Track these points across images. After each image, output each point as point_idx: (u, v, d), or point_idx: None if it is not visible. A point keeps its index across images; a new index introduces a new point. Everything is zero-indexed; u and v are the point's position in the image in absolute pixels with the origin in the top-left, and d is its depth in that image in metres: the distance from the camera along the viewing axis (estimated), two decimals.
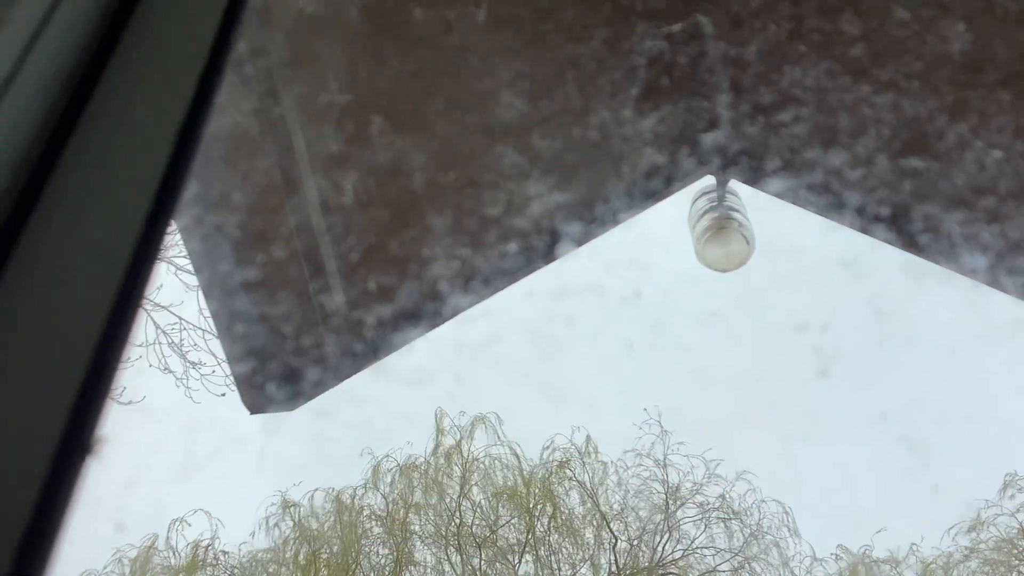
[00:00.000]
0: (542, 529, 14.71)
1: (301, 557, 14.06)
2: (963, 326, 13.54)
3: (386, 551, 14.47)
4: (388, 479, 14.65)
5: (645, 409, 14.66)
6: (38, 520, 0.73)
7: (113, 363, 0.83)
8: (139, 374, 11.38)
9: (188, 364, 11.87)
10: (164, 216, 0.92)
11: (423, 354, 12.53)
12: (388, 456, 14.57)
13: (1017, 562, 13.94)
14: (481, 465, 14.77)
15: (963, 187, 4.14)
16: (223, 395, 11.57)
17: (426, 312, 4.28)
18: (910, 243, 4.24)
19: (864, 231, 4.35)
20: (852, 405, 14.43)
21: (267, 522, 14.18)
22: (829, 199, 4.38)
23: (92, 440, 0.79)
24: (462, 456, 14.76)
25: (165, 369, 11.85)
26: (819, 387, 15.10)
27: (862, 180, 4.28)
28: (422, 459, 14.73)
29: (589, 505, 14.81)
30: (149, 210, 0.91)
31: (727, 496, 14.59)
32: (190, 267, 9.81)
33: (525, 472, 14.77)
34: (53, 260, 0.86)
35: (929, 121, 4.16)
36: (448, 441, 14.81)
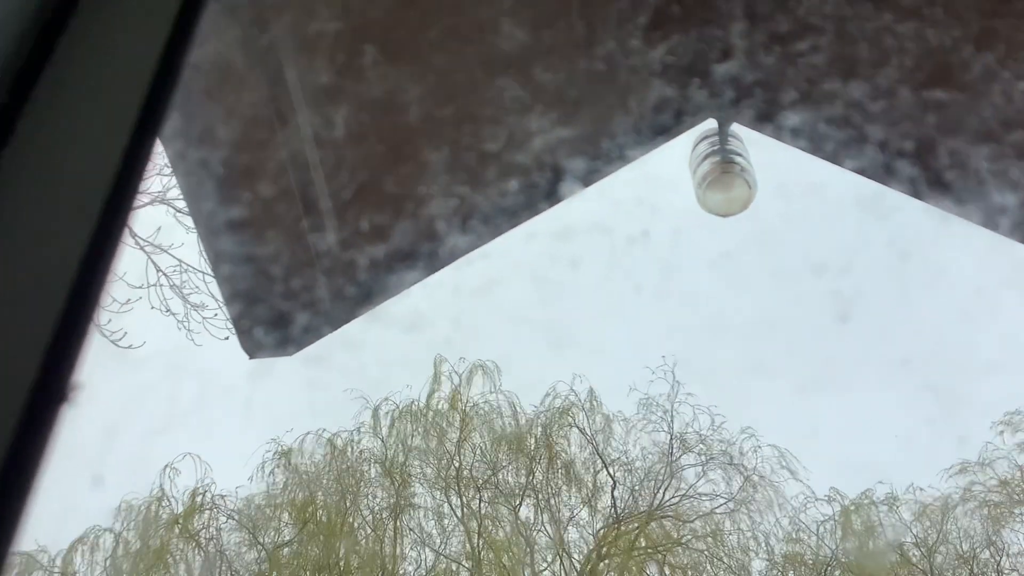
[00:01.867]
0: (542, 473, 14.82)
1: (298, 500, 14.23)
2: (990, 269, 13.36)
3: (383, 494, 14.61)
4: (386, 422, 14.76)
5: (663, 357, 14.63)
6: (11, 471, 0.72)
7: (91, 306, 0.81)
8: (133, 318, 11.36)
9: (190, 306, 11.87)
10: (145, 151, 0.90)
11: (419, 298, 12.41)
12: (387, 399, 14.65)
13: (1017, 499, 13.99)
14: (480, 411, 14.86)
15: (990, 120, 4.01)
16: (226, 338, 11.56)
17: (422, 253, 4.19)
18: (935, 180, 4.13)
19: (886, 168, 4.23)
20: (873, 351, 14.33)
21: (263, 467, 14.32)
22: (849, 133, 4.27)
23: (68, 387, 0.78)
24: (461, 402, 14.83)
25: (167, 311, 11.85)
26: (838, 333, 14.99)
27: (884, 113, 4.18)
28: (419, 404, 14.82)
29: (589, 451, 14.92)
30: (128, 145, 0.88)
31: (729, 445, 14.66)
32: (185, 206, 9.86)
33: (524, 419, 14.85)
34: (28, 196, 0.84)
35: (954, 51, 4.05)
36: (445, 388, 14.88)
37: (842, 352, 14.52)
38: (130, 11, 0.97)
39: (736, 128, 5.04)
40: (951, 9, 4.01)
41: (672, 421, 14.84)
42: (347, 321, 4.37)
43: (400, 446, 14.65)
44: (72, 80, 0.90)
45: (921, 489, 14.05)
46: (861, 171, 4.33)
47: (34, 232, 0.82)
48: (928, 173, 4.16)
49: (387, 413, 14.71)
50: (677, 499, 14.73)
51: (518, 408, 14.81)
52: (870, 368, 14.45)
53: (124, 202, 0.86)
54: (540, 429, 14.90)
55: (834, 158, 4.36)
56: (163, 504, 13.80)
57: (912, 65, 4.11)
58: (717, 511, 14.60)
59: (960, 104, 4.08)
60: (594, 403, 14.90)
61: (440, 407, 14.82)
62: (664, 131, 4.55)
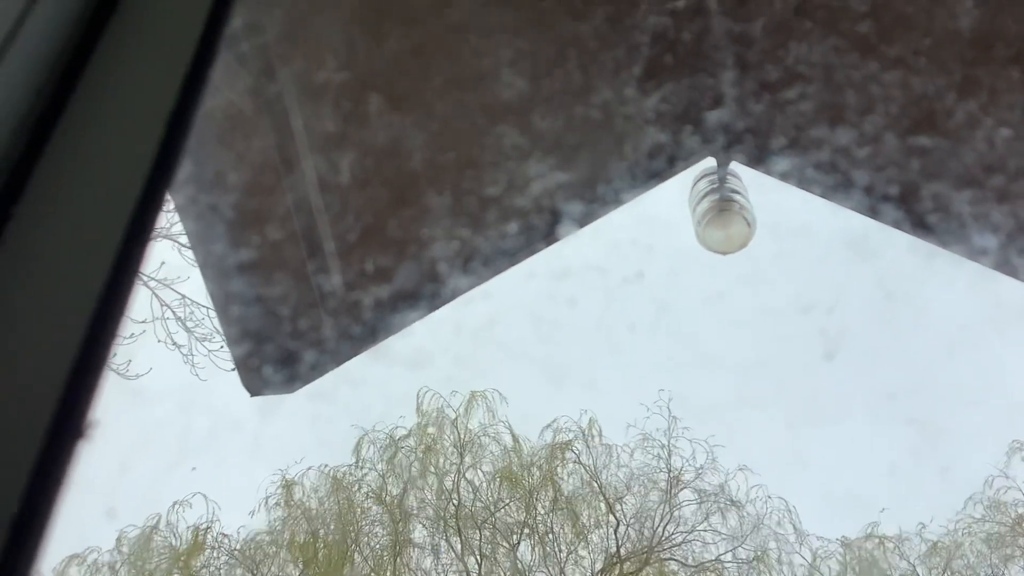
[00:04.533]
0: (543, 510, 14.71)
1: (299, 538, 14.10)
2: (973, 307, 13.48)
3: (383, 531, 14.49)
4: (383, 455, 14.66)
5: (661, 390, 14.64)
6: (29, 505, 0.72)
7: (106, 345, 0.82)
8: (142, 352, 11.38)
9: (195, 339, 11.84)
10: (158, 195, 0.91)
11: (422, 336, 12.48)
12: (378, 430, 14.57)
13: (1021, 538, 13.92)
14: (478, 443, 14.78)
15: (972, 166, 4.09)
16: (232, 369, 11.51)
17: (425, 294, 4.24)
18: (919, 223, 4.20)
19: (872, 210, 4.30)
20: (860, 387, 14.38)
21: (265, 503, 14.21)
22: (836, 178, 4.34)
23: (84, 424, 0.79)
24: (458, 433, 14.77)
25: (172, 345, 11.82)
26: (826, 369, 15.03)
27: (870, 159, 4.23)
28: (418, 439, 14.74)
29: (592, 487, 14.81)
30: (143, 189, 0.90)
31: (726, 486, 14.59)
32: (190, 246, 9.82)
33: (525, 453, 14.78)
34: (45, 239, 0.85)
35: (938, 99, 4.11)
36: (442, 421, 14.81)
37: (829, 388, 14.58)
38: (144, 62, 1.00)
39: (734, 167, 5.10)
40: (935, 58, 4.08)
41: (669, 457, 14.80)
42: (350, 358, 4.41)
43: (398, 481, 14.56)
44: (89, 125, 0.92)
45: (924, 527, 13.98)
46: (847, 213, 4.39)
47: (52, 275, 0.84)
48: (912, 216, 4.22)
49: (386, 448, 14.62)
50: (680, 538, 14.62)
51: (520, 439, 14.74)
52: (856, 403, 14.50)
53: (138, 244, 0.88)
54: (541, 464, 14.81)
55: (821, 201, 4.44)
56: (162, 537, 13.67)
57: (897, 112, 4.17)
58: (724, 558, 14.47)
59: (943, 150, 4.14)
60: (595, 433, 14.83)
61: (438, 443, 14.73)
62: (657, 175, 4.60)
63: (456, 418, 14.78)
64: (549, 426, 14.72)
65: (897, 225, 4.30)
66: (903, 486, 13.85)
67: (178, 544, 13.71)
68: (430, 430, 14.77)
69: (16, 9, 0.93)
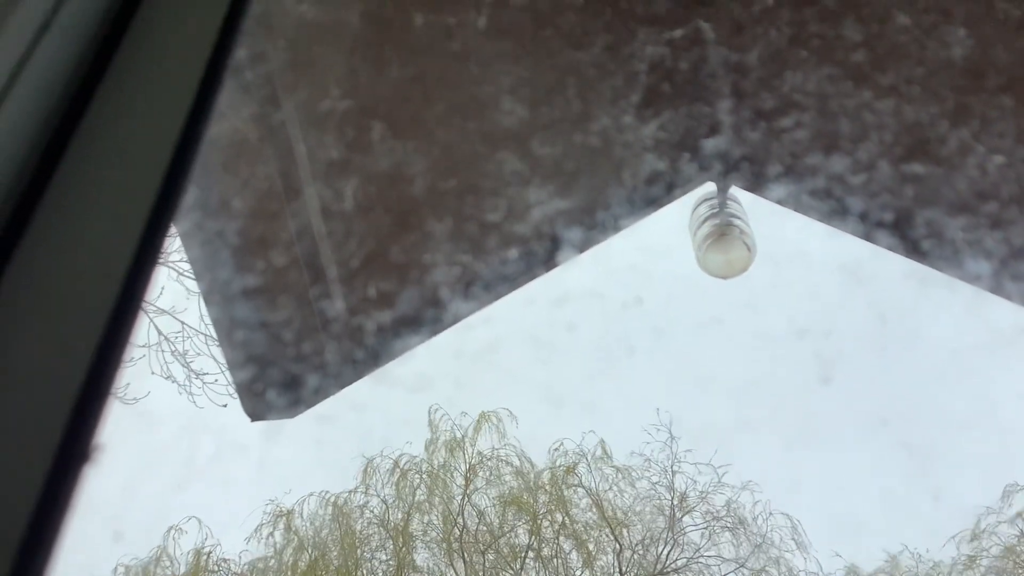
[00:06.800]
0: (547, 535, 14.63)
1: (301, 564, 14.00)
2: (967, 332, 13.51)
3: (385, 556, 14.39)
4: (386, 479, 14.59)
5: (657, 410, 14.63)
6: (36, 528, 0.72)
7: (112, 370, 0.83)
8: (140, 377, 11.34)
9: (191, 372, 11.75)
10: (164, 222, 0.92)
11: (423, 361, 12.50)
12: (384, 456, 14.50)
13: (1021, 571, 13.89)
14: (487, 466, 14.72)
15: (966, 192, 4.12)
16: (225, 405, 11.44)
17: (427, 318, 4.26)
18: (913, 249, 4.23)
19: (867, 237, 4.33)
20: (854, 411, 14.39)
21: (263, 529, 14.12)
22: (831, 205, 4.36)
23: (91, 447, 0.79)
24: (464, 455, 14.72)
25: (168, 376, 11.73)
26: (821, 393, 15.05)
27: (864, 186, 4.26)
28: (421, 460, 14.67)
29: (595, 512, 14.74)
30: (149, 216, 0.91)
31: (732, 504, 14.54)
32: (192, 272, 9.76)
33: (531, 476, 14.72)
34: (52, 266, 0.86)
35: (931, 126, 4.15)
36: (445, 439, 14.76)
37: (824, 412, 14.59)
38: (151, 90, 1.02)
39: (734, 191, 5.12)
40: (928, 87, 4.12)
41: (672, 478, 14.76)
42: (352, 382, 4.42)
43: (403, 505, 14.47)
44: (96, 152, 0.93)
45: (918, 553, 13.94)
46: (843, 240, 4.42)
47: (60, 300, 0.85)
48: (907, 243, 4.25)
49: (388, 470, 14.54)
50: (684, 561, 14.53)
51: (524, 459, 14.67)
52: (850, 427, 14.51)
53: (144, 270, 0.88)
54: (546, 489, 14.73)
55: (817, 227, 4.47)
56: (163, 566, 13.55)
57: (891, 140, 4.20)
58: None
59: (937, 177, 4.18)
60: (602, 455, 14.77)
61: (439, 461, 14.66)
62: (655, 202, 4.62)
63: (464, 440, 14.73)
64: (556, 450, 14.68)
65: (892, 250, 4.33)
66: (895, 510, 13.85)
67: (175, 570, 13.60)
68: (438, 453, 14.71)
69: (25, 40, 0.94)
